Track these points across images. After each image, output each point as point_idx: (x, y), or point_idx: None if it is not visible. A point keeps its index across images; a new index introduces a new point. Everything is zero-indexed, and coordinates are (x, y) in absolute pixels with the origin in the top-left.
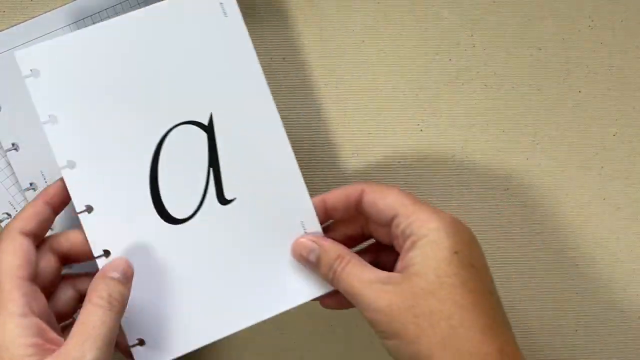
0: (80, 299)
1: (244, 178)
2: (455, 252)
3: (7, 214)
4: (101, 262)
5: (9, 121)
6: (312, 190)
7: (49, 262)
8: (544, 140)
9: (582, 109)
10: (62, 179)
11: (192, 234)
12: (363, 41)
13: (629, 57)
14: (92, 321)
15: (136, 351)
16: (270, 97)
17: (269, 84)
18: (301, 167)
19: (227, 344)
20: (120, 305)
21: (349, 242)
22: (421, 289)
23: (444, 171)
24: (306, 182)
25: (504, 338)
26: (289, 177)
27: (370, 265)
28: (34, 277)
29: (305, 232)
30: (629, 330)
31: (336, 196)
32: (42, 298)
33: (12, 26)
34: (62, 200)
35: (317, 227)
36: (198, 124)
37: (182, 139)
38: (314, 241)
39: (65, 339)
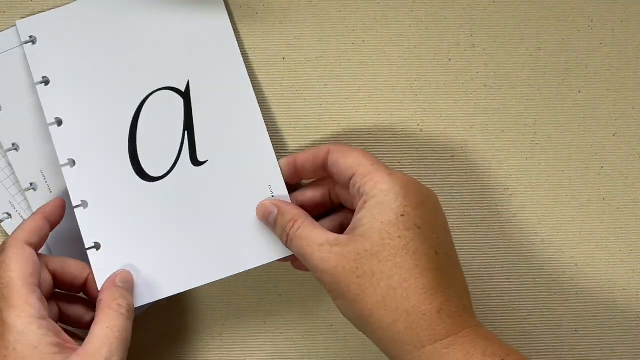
0: (61, 317)
1: (216, 142)
2: (402, 215)
3: (7, 213)
4: (92, 254)
5: (9, 121)
6: None
7: (46, 276)
8: (544, 140)
9: (582, 109)
10: (58, 198)
11: (165, 191)
12: (363, 41)
13: (629, 57)
14: (117, 326)
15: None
16: (244, 67)
17: (268, 84)
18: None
19: (227, 344)
20: (133, 316)
21: (317, 207)
22: (365, 250)
23: (444, 171)
24: (305, 182)
25: (445, 297)
26: (259, 143)
27: (322, 228)
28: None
29: (273, 196)
30: (629, 330)
31: (305, 155)
32: (46, 302)
33: (12, 26)
34: (58, 218)
35: (284, 191)
36: (176, 90)
37: (160, 104)
38: (274, 204)
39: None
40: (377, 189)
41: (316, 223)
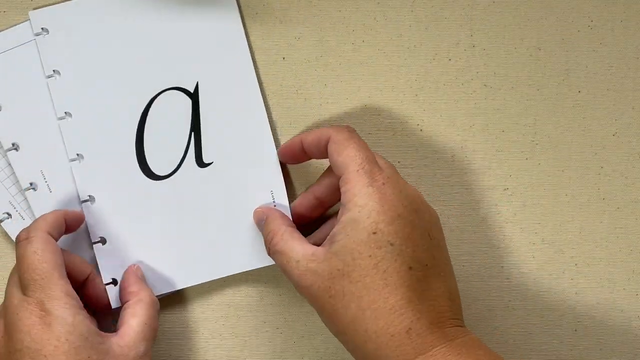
0: None
1: (222, 145)
2: (374, 233)
3: (7, 213)
4: (98, 248)
5: (9, 121)
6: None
7: None
8: (544, 140)
9: (582, 109)
10: (81, 214)
11: (170, 190)
12: (363, 41)
13: (629, 57)
14: (153, 324)
15: (109, 289)
16: (253, 71)
17: (268, 84)
18: (300, 168)
19: (227, 344)
20: None
21: (321, 205)
22: (337, 270)
23: (443, 171)
24: (304, 181)
25: (416, 316)
26: (264, 148)
27: (302, 240)
28: None
29: (274, 201)
30: (629, 330)
31: (311, 138)
32: None
33: (12, 26)
34: (74, 225)
35: (284, 198)
36: (184, 91)
37: (168, 103)
38: (264, 212)
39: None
40: (352, 202)
41: (296, 235)
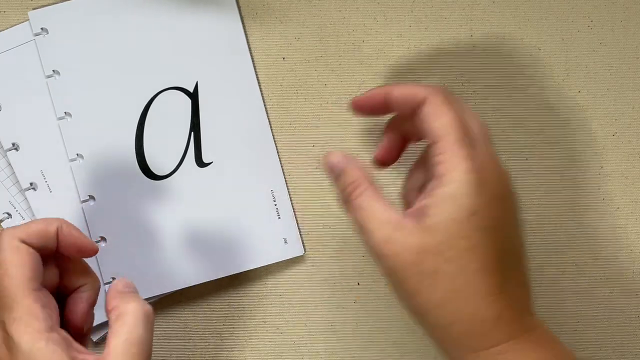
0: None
1: (221, 144)
2: (473, 214)
3: (7, 213)
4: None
5: (9, 121)
6: (308, 195)
7: (54, 276)
8: (545, 139)
9: (582, 109)
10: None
11: (169, 190)
12: (363, 41)
13: (628, 57)
14: (136, 338)
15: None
16: (253, 71)
17: (268, 84)
18: (300, 167)
19: (227, 343)
20: (151, 321)
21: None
22: (431, 246)
23: None
24: (304, 180)
25: (506, 303)
26: (264, 148)
27: (385, 202)
28: (42, 285)
29: (274, 201)
30: (629, 330)
31: (402, 92)
32: (55, 304)
33: (12, 26)
34: (70, 248)
35: (286, 197)
36: (184, 90)
37: (168, 103)
38: (342, 159)
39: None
40: (450, 175)
41: (380, 194)
